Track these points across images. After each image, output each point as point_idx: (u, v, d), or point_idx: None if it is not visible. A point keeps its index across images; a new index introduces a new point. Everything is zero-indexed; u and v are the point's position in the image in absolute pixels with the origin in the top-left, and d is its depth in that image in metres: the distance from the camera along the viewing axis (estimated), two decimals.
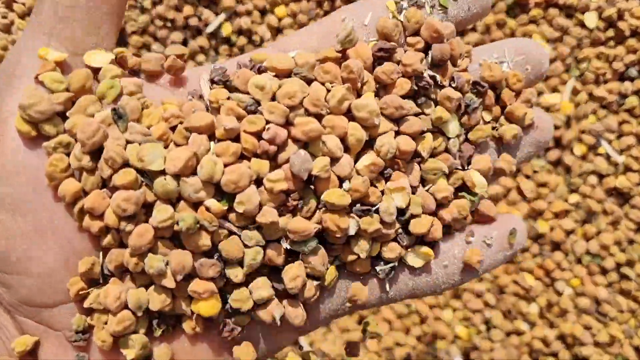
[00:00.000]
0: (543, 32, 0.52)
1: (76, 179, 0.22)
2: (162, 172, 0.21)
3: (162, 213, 0.21)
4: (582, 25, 0.51)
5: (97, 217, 0.22)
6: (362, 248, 0.23)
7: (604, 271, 0.53)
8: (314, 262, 0.23)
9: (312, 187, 0.23)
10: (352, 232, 0.23)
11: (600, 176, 0.53)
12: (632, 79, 0.52)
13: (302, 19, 0.54)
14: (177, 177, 0.21)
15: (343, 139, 0.23)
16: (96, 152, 0.22)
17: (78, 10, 0.23)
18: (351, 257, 0.24)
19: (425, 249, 0.25)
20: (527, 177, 0.54)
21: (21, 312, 0.24)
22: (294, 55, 0.24)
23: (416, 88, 0.24)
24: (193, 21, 0.54)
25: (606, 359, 0.53)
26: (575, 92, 0.53)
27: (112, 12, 0.24)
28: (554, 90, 0.53)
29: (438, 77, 0.24)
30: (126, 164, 0.22)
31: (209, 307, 0.23)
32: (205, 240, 0.22)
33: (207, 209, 0.22)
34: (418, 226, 0.24)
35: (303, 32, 0.26)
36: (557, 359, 0.54)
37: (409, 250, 0.25)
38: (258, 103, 0.23)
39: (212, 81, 0.24)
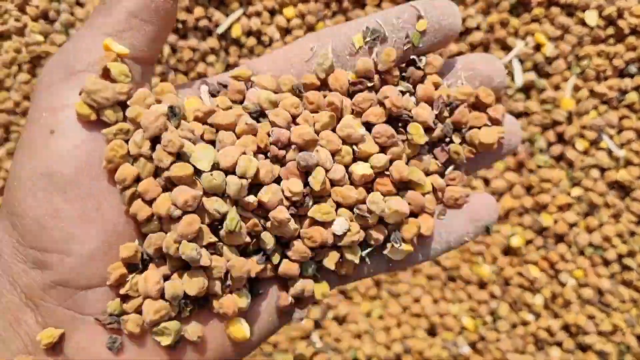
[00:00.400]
0: (545, 31, 0.53)
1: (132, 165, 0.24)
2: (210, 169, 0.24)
3: (216, 204, 0.24)
4: (583, 23, 0.53)
5: (146, 203, 0.23)
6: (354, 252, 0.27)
7: (606, 262, 0.55)
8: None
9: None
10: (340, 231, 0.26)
11: (602, 170, 0.55)
12: (631, 76, 0.53)
13: (311, 19, 0.55)
14: (223, 173, 0.24)
15: (334, 154, 0.26)
16: (153, 142, 0.24)
17: (149, 24, 0.26)
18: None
19: (406, 246, 0.27)
20: (531, 171, 0.56)
21: (52, 296, 0.24)
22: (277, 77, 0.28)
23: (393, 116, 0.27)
24: (203, 22, 0.55)
25: (609, 347, 0.55)
26: (576, 88, 0.54)
27: (167, 30, 0.27)
28: (556, 87, 0.55)
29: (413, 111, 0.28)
30: (179, 157, 0.24)
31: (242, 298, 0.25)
32: (245, 238, 0.24)
33: (246, 204, 0.24)
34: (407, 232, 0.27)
35: (271, 57, 0.29)
36: (561, 348, 0.56)
37: (390, 244, 0.27)
38: (262, 113, 0.27)
39: (212, 94, 0.28)
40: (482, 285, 0.57)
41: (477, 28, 0.55)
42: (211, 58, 0.57)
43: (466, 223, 0.29)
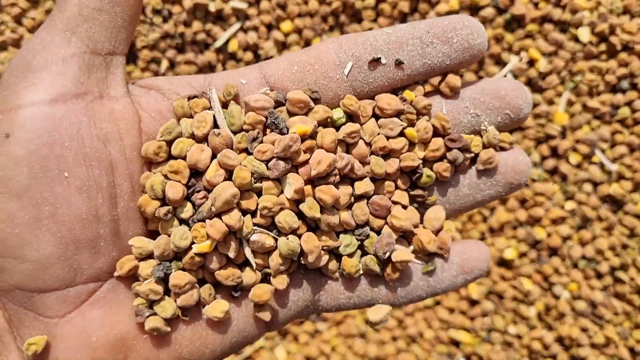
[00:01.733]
0: (539, 47, 0.54)
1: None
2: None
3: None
4: (576, 39, 0.54)
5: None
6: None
7: (599, 275, 0.55)
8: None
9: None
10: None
11: (595, 184, 0.55)
12: (624, 91, 0.54)
13: (308, 34, 0.55)
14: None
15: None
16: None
17: (103, 13, 0.25)
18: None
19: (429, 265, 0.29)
20: (525, 185, 0.56)
21: (12, 298, 0.24)
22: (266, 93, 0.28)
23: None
24: (201, 36, 0.55)
25: (602, 359, 0.55)
26: (570, 103, 0.55)
27: (131, 20, 0.26)
28: (550, 102, 0.55)
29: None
30: None
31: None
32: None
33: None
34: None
35: (288, 59, 0.28)
36: None
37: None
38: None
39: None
40: (474, 302, 0.58)
41: None
42: (208, 72, 0.57)
43: (457, 275, 0.29)
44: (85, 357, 0.25)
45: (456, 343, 0.58)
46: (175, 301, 0.26)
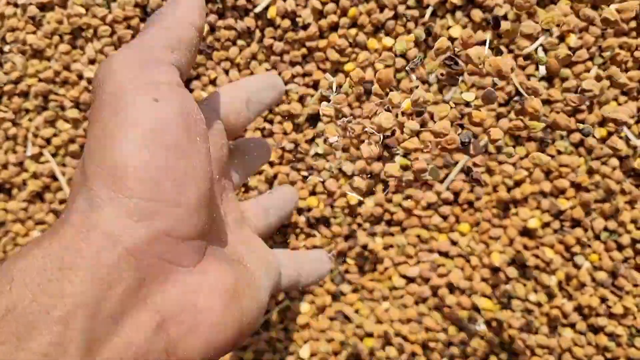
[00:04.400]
0: (569, 22, 0.55)
1: None
2: None
3: None
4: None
5: None
6: None
7: (620, 247, 0.57)
8: None
9: None
10: None
11: (620, 158, 0.57)
12: None
13: (345, 3, 0.57)
14: None
15: None
16: None
17: (188, 52, 0.31)
18: None
19: None
20: (551, 157, 0.58)
21: (155, 248, 0.26)
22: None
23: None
24: (241, 2, 0.57)
25: (620, 330, 0.57)
26: (598, 79, 0.56)
27: (193, 61, 0.33)
28: (578, 76, 0.57)
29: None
30: None
31: None
32: None
33: None
34: None
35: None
36: (574, 330, 0.58)
37: None
38: None
39: None
40: (496, 269, 0.59)
41: (505, 17, 0.57)
42: (242, 41, 0.59)
43: None
44: (219, 303, 0.28)
45: (477, 309, 0.59)
46: None
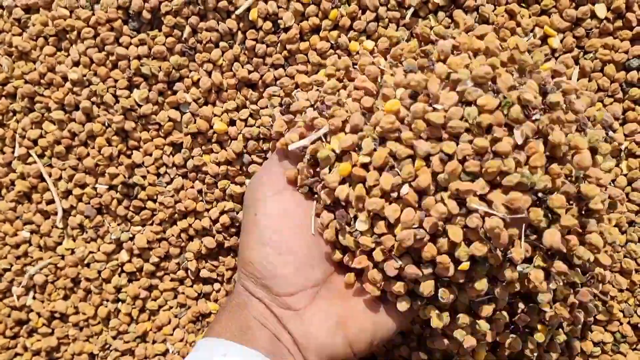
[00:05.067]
0: (553, 22, 0.54)
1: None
2: None
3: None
4: (592, 15, 0.54)
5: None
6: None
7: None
8: None
9: None
10: None
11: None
12: (635, 69, 0.54)
13: (326, 5, 0.56)
14: None
15: None
16: None
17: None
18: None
19: None
20: None
21: (275, 302, 0.43)
22: None
23: None
24: (223, 4, 0.57)
25: (606, 337, 0.55)
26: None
27: None
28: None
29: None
30: None
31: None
32: None
33: None
34: None
35: None
36: None
37: None
38: None
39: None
40: None
41: (486, 22, 0.56)
42: (224, 43, 0.59)
43: None
44: (325, 329, 0.42)
45: None
46: None
